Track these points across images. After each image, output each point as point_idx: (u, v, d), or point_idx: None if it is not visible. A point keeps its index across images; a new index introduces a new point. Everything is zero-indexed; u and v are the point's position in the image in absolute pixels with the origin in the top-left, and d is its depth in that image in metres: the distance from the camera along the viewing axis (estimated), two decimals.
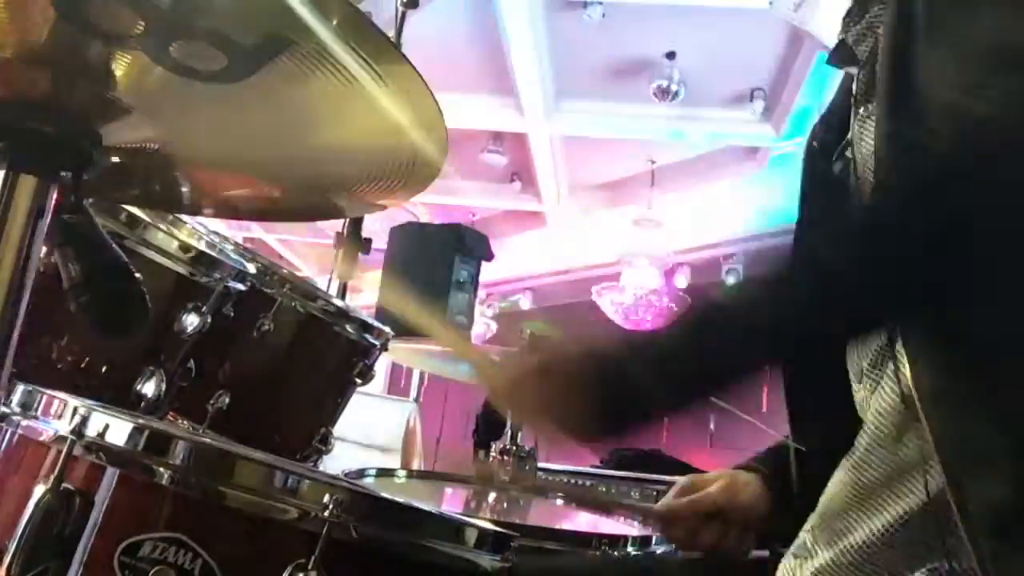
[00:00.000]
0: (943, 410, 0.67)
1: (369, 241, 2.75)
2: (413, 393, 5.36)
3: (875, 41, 0.82)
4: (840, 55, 0.90)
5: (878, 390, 0.78)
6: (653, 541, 1.40)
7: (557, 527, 1.50)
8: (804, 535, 0.82)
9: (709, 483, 1.07)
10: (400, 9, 2.51)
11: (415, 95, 0.70)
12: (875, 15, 0.82)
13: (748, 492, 1.04)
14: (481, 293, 5.60)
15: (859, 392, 0.85)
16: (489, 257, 4.59)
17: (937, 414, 0.67)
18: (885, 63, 0.74)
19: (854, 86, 0.89)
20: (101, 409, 0.75)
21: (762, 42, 4.39)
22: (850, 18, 0.84)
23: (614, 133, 5.28)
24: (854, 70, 0.88)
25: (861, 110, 0.84)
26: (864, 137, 0.82)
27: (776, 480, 1.03)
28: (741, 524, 1.04)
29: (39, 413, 0.76)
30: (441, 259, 4.30)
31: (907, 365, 0.70)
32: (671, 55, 4.53)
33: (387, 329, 1.54)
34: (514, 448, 1.85)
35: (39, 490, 0.68)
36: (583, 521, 1.69)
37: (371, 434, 3.06)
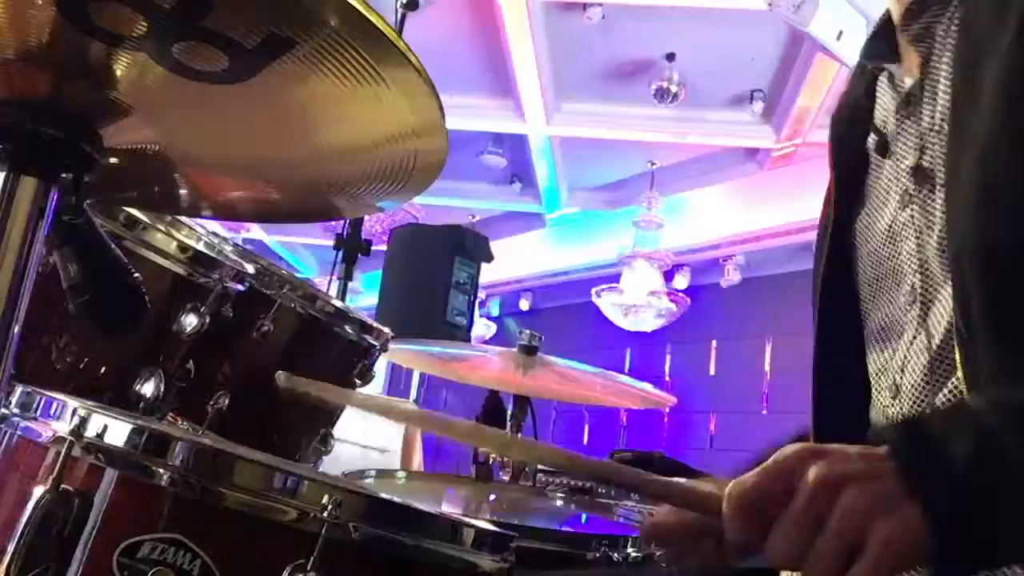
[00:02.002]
0: None
1: (369, 242, 2.77)
2: (413, 394, 5.37)
3: (932, 43, 0.81)
4: (876, 50, 0.90)
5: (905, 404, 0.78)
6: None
7: (557, 528, 1.50)
8: None
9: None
10: (399, 10, 2.52)
11: (416, 96, 0.70)
12: (934, 15, 0.81)
13: None
14: (481, 294, 5.60)
15: (882, 402, 0.84)
16: (489, 258, 4.59)
17: None
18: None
19: (889, 81, 0.88)
20: (100, 410, 0.75)
21: (762, 43, 4.39)
22: (911, 16, 0.83)
23: (614, 134, 5.29)
24: (893, 67, 0.88)
25: (905, 112, 0.83)
26: (909, 139, 0.82)
27: None
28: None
29: (38, 414, 0.76)
30: (440, 260, 4.30)
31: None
32: (671, 56, 4.53)
33: (386, 330, 1.54)
34: None
35: (38, 491, 0.68)
36: (583, 522, 1.69)
37: (371, 435, 3.05)
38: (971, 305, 0.68)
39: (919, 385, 0.79)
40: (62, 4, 0.63)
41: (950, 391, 0.76)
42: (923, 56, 0.82)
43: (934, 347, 0.78)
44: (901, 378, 0.82)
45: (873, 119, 0.91)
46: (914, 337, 0.80)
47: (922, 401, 0.79)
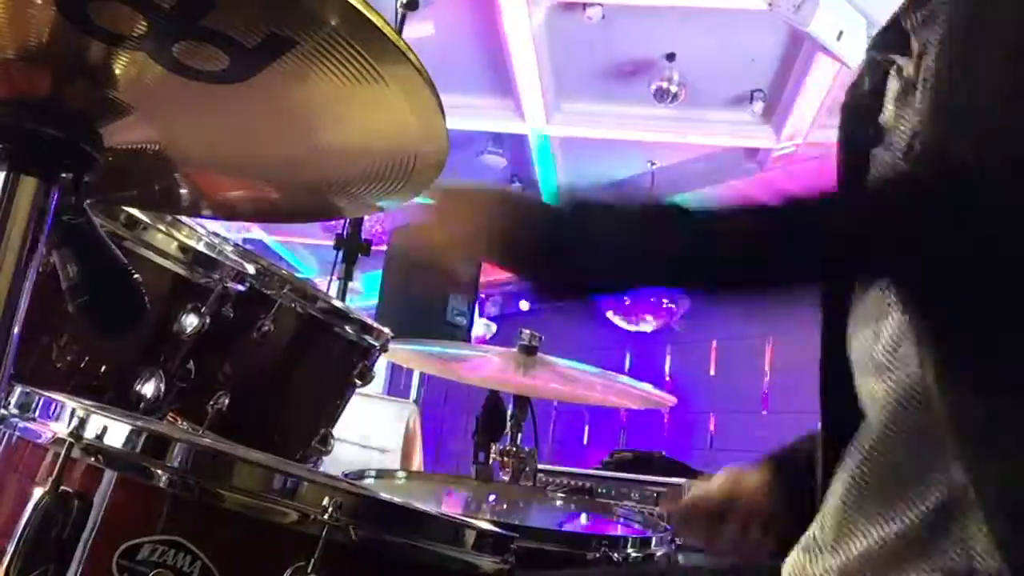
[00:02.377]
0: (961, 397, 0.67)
1: (369, 242, 2.77)
2: (413, 394, 5.36)
3: (930, 32, 0.81)
4: (885, 42, 0.90)
5: (888, 381, 0.79)
6: (653, 542, 1.40)
7: (557, 528, 1.50)
8: (813, 528, 0.82)
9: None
10: (399, 10, 2.52)
11: (416, 96, 0.69)
12: (938, 4, 0.81)
13: (750, 486, 1.01)
14: (480, 294, 5.60)
15: (868, 384, 0.84)
16: None
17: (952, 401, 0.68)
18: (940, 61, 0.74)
19: (897, 75, 0.88)
20: (99, 411, 0.75)
21: (762, 43, 4.39)
22: (913, 5, 0.83)
23: (614, 134, 5.28)
24: (901, 59, 0.88)
25: (902, 101, 0.84)
26: (905, 129, 0.82)
27: (788, 473, 1.00)
28: (754, 523, 1.00)
29: (37, 415, 0.76)
30: None
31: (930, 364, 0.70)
32: (671, 56, 4.53)
33: (386, 330, 1.54)
34: (514, 449, 1.86)
35: (37, 492, 0.68)
36: (583, 522, 1.69)
37: (371, 435, 3.05)
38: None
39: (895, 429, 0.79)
40: (62, 4, 0.62)
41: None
42: (921, 45, 0.82)
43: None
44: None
45: (880, 113, 0.91)
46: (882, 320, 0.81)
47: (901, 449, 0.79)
